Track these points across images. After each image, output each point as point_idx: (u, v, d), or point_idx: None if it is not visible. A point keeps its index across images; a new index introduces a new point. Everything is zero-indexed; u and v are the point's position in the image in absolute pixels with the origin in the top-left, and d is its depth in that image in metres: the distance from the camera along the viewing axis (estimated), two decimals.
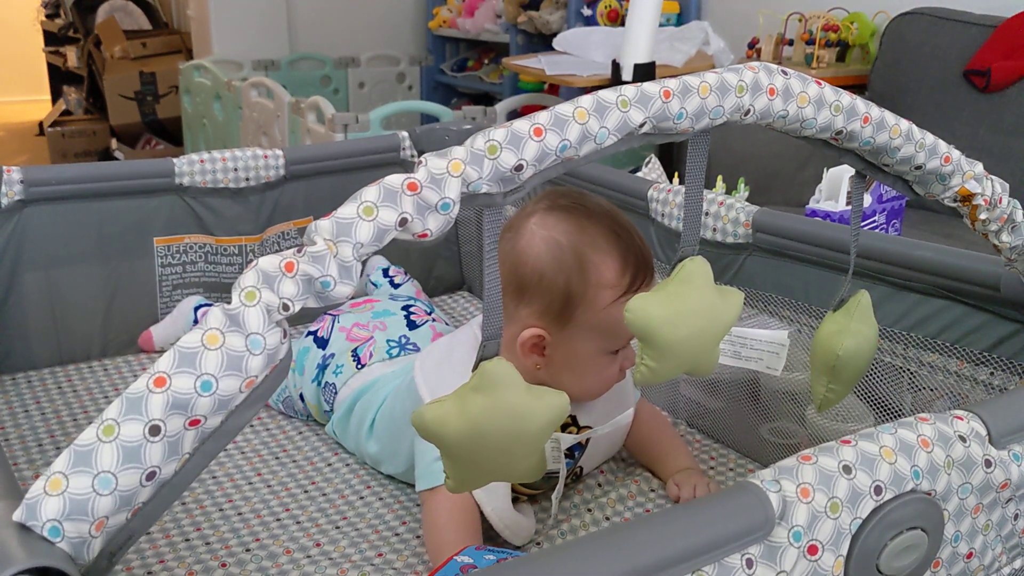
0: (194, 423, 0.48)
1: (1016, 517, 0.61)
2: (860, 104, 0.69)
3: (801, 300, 1.08)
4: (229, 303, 0.49)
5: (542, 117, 0.57)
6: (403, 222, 0.52)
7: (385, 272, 1.49)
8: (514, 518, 0.94)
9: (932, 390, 0.98)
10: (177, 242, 1.40)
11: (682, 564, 0.47)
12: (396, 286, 1.48)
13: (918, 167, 0.73)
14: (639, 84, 0.61)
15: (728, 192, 1.99)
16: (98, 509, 0.45)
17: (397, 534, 1.00)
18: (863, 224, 1.38)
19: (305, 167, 1.46)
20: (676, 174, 2.04)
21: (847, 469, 0.52)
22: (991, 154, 2.07)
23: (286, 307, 0.49)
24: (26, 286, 1.32)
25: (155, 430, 0.46)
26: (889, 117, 0.70)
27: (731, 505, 0.49)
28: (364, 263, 0.53)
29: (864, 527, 0.52)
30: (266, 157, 1.42)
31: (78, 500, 0.45)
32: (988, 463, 0.57)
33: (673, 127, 0.62)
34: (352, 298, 1.44)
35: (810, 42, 2.69)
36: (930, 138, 0.72)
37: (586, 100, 0.59)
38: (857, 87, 2.59)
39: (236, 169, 1.40)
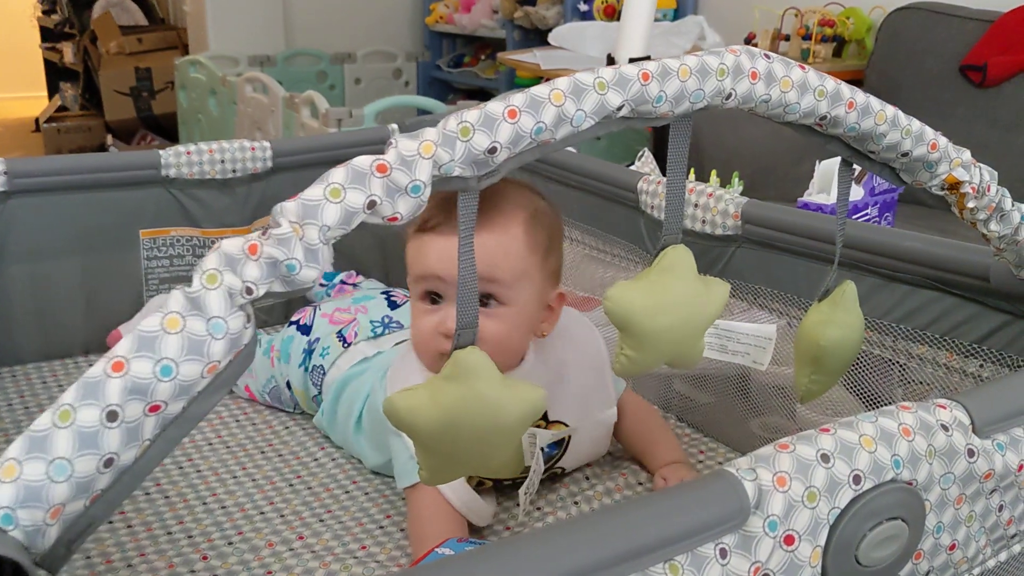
0: (154, 409, 0.47)
1: (1000, 508, 0.60)
2: (845, 89, 0.68)
3: (791, 293, 1.06)
4: (190, 286, 0.47)
5: (517, 99, 0.56)
6: (371, 204, 0.51)
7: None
8: (471, 496, 0.93)
9: (923, 383, 0.96)
10: (163, 235, 1.39)
11: (654, 553, 0.46)
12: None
13: (904, 154, 0.71)
14: (617, 66, 0.60)
15: (722, 187, 1.98)
16: (53, 496, 0.44)
17: (381, 527, 0.99)
18: (855, 217, 1.37)
19: (293, 159, 1.45)
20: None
21: (825, 458, 0.51)
22: (987, 149, 2.06)
23: (249, 291, 0.48)
24: (10, 279, 1.30)
25: (113, 415, 0.45)
26: (874, 103, 0.69)
27: (705, 494, 0.48)
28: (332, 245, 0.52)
29: (842, 517, 0.51)
30: (253, 149, 1.41)
31: (32, 487, 0.44)
32: (971, 453, 0.56)
33: (652, 111, 0.61)
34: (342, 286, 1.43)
35: (806, 37, 2.69)
36: (916, 125, 0.71)
37: (563, 82, 0.58)
38: (853, 82, 2.57)
39: (223, 161, 1.39)
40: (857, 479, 0.51)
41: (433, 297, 0.93)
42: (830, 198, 1.33)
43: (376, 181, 0.51)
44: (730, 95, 0.63)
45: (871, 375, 1.00)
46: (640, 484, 1.06)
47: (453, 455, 0.64)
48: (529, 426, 0.64)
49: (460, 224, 0.58)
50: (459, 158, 0.54)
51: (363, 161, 0.51)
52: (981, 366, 0.89)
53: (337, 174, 0.51)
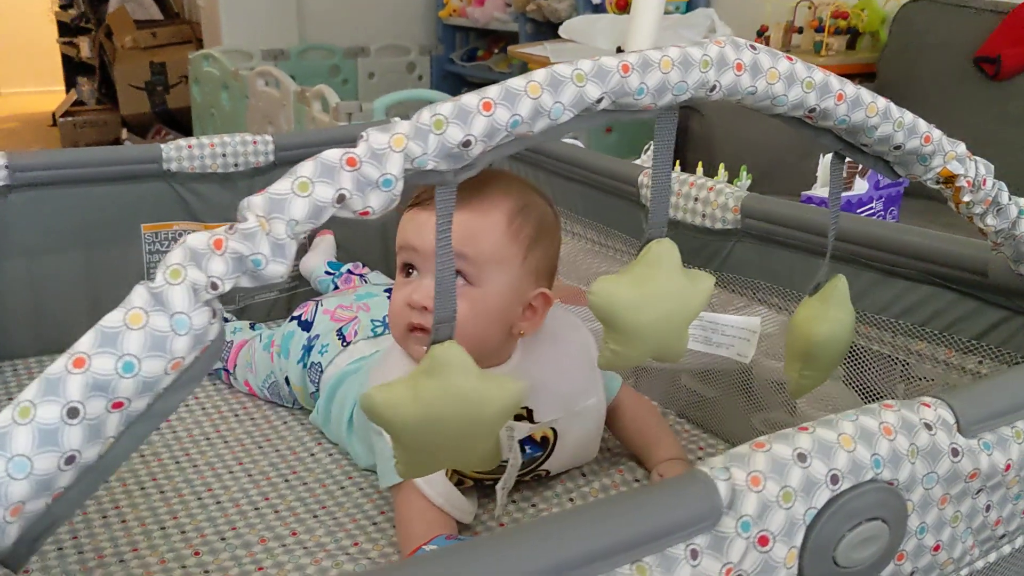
0: (117, 405, 0.46)
1: (988, 509, 0.58)
2: (834, 81, 0.66)
3: (790, 287, 1.05)
4: (154, 281, 0.47)
5: (492, 91, 0.55)
6: (341, 199, 0.50)
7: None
8: (451, 492, 0.92)
9: (925, 380, 0.95)
10: (165, 229, 1.39)
11: (621, 554, 0.45)
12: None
13: (897, 147, 0.70)
14: (597, 57, 0.59)
15: (730, 180, 1.96)
16: (12, 494, 0.44)
17: (375, 523, 0.99)
18: (860, 211, 1.36)
19: (295, 153, 1.44)
20: (678, 161, 2.01)
21: (802, 457, 0.50)
22: (1001, 142, 2.03)
23: (215, 286, 0.47)
24: (11, 273, 1.31)
25: (73, 412, 0.45)
26: (865, 95, 0.67)
27: (676, 493, 0.47)
28: (310, 239, 0.51)
29: (819, 517, 0.50)
30: (255, 143, 1.41)
31: None
32: (955, 452, 0.54)
33: (634, 103, 0.60)
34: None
35: (819, 29, 2.66)
36: (909, 117, 0.69)
37: (540, 74, 0.57)
38: (866, 75, 2.55)
39: (224, 155, 1.39)
40: (835, 479, 0.50)
41: (408, 269, 0.93)
42: None
43: (346, 175, 0.51)
44: (714, 87, 0.62)
45: (873, 371, 0.99)
46: (637, 481, 1.05)
47: (431, 449, 0.63)
48: (508, 419, 0.63)
49: (438, 218, 0.58)
50: (432, 151, 0.53)
51: (332, 155, 0.51)
52: (980, 362, 0.88)
53: (306, 168, 0.50)
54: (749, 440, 1.11)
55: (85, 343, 0.46)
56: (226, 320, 1.36)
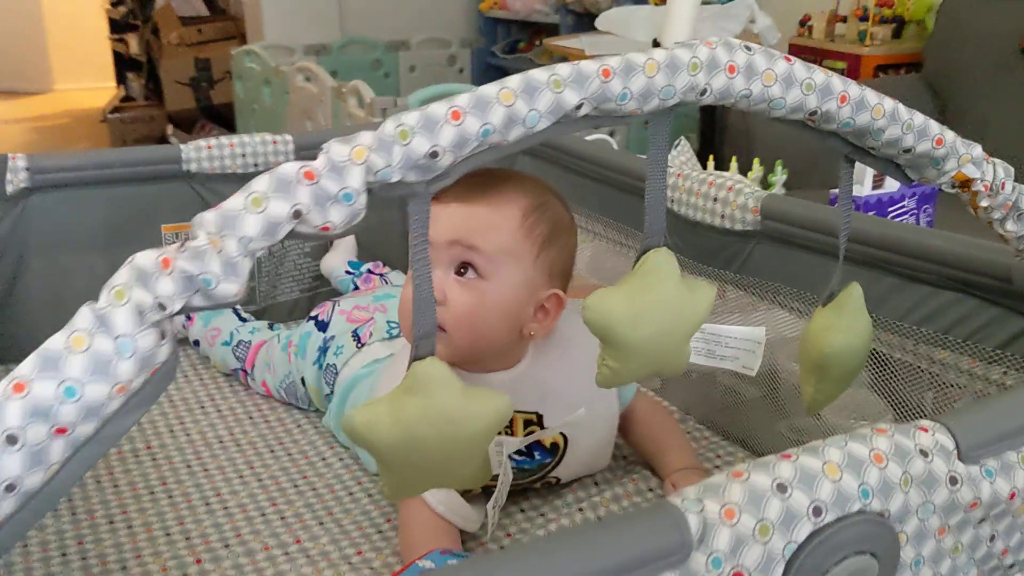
0: (60, 431, 0.45)
1: (992, 539, 0.55)
2: (837, 82, 0.63)
3: (812, 291, 1.01)
4: (98, 302, 0.45)
5: (462, 99, 0.53)
6: (297, 214, 0.48)
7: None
8: (454, 500, 0.90)
9: (956, 387, 0.91)
10: (185, 229, 1.38)
11: None
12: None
13: (907, 150, 0.67)
14: (576, 62, 0.56)
15: (766, 175, 1.92)
16: None
17: (380, 531, 0.97)
18: (891, 210, 1.31)
19: (315, 153, 1.43)
20: (711, 157, 1.97)
21: (782, 488, 0.47)
22: None
23: (162, 306, 0.46)
24: (32, 274, 1.31)
25: (12, 439, 0.43)
26: (870, 96, 0.64)
27: (642, 527, 0.44)
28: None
29: (800, 552, 0.47)
30: (275, 143, 1.40)
31: None
32: (953, 480, 0.51)
33: (617, 109, 0.57)
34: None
35: (864, 18, 2.60)
36: (919, 118, 0.66)
37: (514, 80, 0.54)
38: (912, 65, 2.48)
39: (244, 155, 1.38)
40: (818, 511, 0.47)
41: None
42: (863, 189, 1.27)
43: (303, 189, 0.49)
44: (705, 90, 0.59)
45: (900, 379, 0.95)
46: (651, 491, 1.02)
47: (416, 469, 0.61)
48: (495, 435, 0.61)
49: (411, 230, 0.56)
50: (397, 163, 0.51)
51: (289, 168, 0.49)
52: (1005, 373, 0.83)
53: (260, 182, 0.48)
54: (775, 447, 1.07)
55: (26, 367, 0.44)
56: (244, 320, 1.35)
